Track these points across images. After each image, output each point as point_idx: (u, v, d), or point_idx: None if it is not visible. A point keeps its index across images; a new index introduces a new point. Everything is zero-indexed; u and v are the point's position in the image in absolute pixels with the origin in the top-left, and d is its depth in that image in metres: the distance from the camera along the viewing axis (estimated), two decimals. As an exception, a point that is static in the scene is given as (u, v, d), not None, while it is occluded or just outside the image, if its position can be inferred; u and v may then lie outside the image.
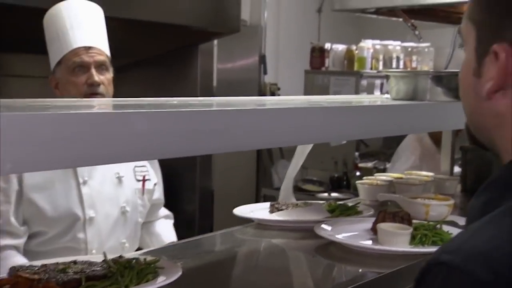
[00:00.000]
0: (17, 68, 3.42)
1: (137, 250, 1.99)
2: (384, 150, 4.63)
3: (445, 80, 1.43)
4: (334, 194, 4.36)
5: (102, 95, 1.90)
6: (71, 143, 0.75)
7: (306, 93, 4.76)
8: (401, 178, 1.94)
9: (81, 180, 1.89)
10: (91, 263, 1.08)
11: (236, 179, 4.93)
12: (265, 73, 4.88)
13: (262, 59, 4.85)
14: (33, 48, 2.14)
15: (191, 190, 4.03)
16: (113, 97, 1.96)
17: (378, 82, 4.39)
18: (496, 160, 0.85)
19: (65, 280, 0.99)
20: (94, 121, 0.78)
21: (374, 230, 1.41)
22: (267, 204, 1.71)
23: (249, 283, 1.20)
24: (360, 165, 4.53)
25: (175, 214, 3.84)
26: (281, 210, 1.62)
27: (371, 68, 4.48)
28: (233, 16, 3.80)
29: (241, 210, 1.64)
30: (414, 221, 1.43)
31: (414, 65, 4.62)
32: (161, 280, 1.03)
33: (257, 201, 4.68)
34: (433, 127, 1.70)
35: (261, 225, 1.58)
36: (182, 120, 0.90)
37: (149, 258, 1.11)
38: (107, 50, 1.96)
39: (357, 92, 4.37)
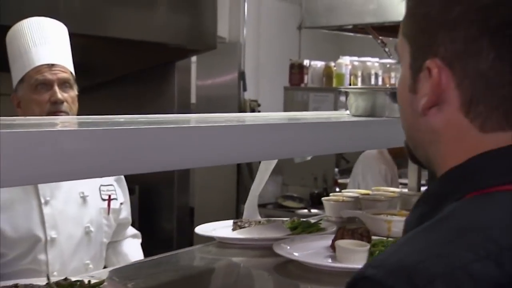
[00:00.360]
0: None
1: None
2: (364, 166, 4.62)
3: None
4: (314, 210, 4.34)
5: (65, 113, 1.87)
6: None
7: (286, 109, 4.76)
8: (368, 194, 1.93)
9: (42, 200, 1.85)
10: (33, 286, 1.05)
11: (216, 195, 4.91)
12: (244, 89, 4.88)
13: (242, 76, 4.86)
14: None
15: (168, 207, 4.00)
16: (81, 114, 1.93)
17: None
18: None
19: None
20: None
21: (333, 247, 1.39)
22: (231, 221, 1.69)
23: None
24: (340, 181, 4.52)
25: (152, 233, 3.81)
26: (244, 227, 1.60)
27: (350, 85, 4.49)
28: (209, 33, 3.80)
29: (203, 229, 1.62)
30: (374, 237, 1.41)
31: (392, 81, 4.64)
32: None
33: (237, 217, 4.66)
34: (391, 143, 1.69)
35: (223, 243, 1.56)
36: (119, 137, 0.87)
37: (94, 280, 1.08)
38: (71, 68, 1.93)
39: (335, 108, 4.38)
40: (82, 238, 1.91)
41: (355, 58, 4.57)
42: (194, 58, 4.79)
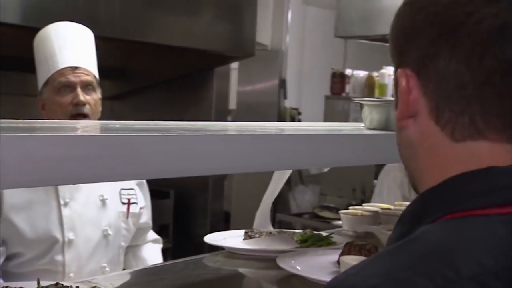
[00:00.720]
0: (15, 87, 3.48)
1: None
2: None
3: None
4: (350, 222, 4.26)
5: (87, 116, 1.89)
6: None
7: (326, 118, 4.70)
8: (389, 209, 1.87)
9: (62, 202, 1.87)
10: (23, 289, 1.05)
11: (252, 202, 4.86)
12: (285, 97, 4.86)
13: (282, 84, 4.83)
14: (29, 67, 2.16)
15: (202, 212, 4.01)
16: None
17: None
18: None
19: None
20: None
21: (339, 262, 1.34)
22: (243, 231, 1.66)
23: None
24: (378, 193, 4.43)
25: (186, 237, 3.82)
26: (254, 238, 1.57)
27: (392, 95, 4.39)
28: (248, 40, 3.80)
29: (213, 238, 1.59)
30: (383, 255, 1.35)
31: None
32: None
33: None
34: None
35: (232, 253, 1.53)
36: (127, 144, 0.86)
37: (83, 286, 1.07)
38: (94, 71, 1.95)
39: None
40: (100, 241, 1.93)
41: (399, 68, 4.47)
42: (235, 65, 4.80)
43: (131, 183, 2.04)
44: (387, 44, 0.81)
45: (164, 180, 3.35)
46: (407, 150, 0.77)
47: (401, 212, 1.82)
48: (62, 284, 1.09)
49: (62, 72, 1.88)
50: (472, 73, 0.69)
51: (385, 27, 3.59)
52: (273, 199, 1.78)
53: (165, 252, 3.68)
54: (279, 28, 4.96)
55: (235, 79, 4.88)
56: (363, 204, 1.96)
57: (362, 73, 4.66)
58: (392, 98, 0.88)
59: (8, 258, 1.84)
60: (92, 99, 1.91)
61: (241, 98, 4.94)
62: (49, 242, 1.84)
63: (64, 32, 1.94)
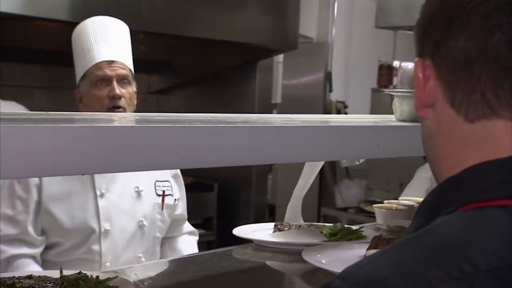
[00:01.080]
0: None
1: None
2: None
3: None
4: (396, 217, 4.19)
5: (123, 109, 1.92)
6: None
7: (373, 111, 4.63)
8: (425, 203, 1.82)
9: (98, 193, 1.91)
10: (45, 279, 1.07)
11: (297, 197, 4.87)
12: (330, 90, 4.81)
13: (328, 76, 4.79)
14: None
15: (246, 205, 4.02)
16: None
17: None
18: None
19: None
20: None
21: (365, 256, 1.32)
22: (273, 224, 1.66)
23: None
24: (426, 188, 4.33)
25: (229, 230, 3.84)
26: (282, 231, 1.56)
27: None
28: (291, 33, 3.78)
29: (242, 230, 1.59)
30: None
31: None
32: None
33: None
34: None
35: (260, 245, 1.53)
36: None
37: (104, 275, 1.09)
38: (130, 65, 1.98)
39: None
40: (136, 232, 1.96)
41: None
42: (280, 58, 4.78)
43: (167, 175, 2.07)
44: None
45: (208, 173, 3.41)
46: (428, 141, 0.77)
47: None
48: (85, 274, 1.11)
49: (99, 66, 1.92)
50: (480, 49, 0.69)
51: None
52: (304, 193, 1.77)
53: (209, 245, 3.72)
54: (325, 21, 4.91)
55: (280, 73, 4.86)
56: (400, 198, 1.92)
57: (410, 65, 4.55)
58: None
59: (48, 247, 1.89)
60: (128, 92, 1.94)
61: (286, 92, 4.92)
62: (86, 232, 1.88)
63: (100, 26, 1.97)
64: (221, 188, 3.94)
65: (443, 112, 0.73)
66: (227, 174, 3.94)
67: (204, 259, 1.44)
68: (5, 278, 1.08)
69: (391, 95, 1.47)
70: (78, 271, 1.12)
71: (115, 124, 1.00)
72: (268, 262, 1.44)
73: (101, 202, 1.91)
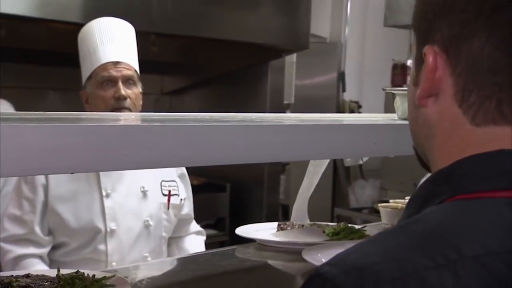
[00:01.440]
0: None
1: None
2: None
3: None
4: (410, 218, 4.15)
5: (128, 109, 1.93)
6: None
7: (386, 111, 4.60)
8: (431, 202, 1.80)
9: (104, 193, 1.92)
10: (42, 278, 1.08)
11: (311, 197, 4.84)
12: (343, 90, 4.79)
13: (341, 76, 4.76)
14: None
15: (258, 205, 4.02)
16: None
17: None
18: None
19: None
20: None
21: (366, 256, 1.30)
22: (276, 224, 1.65)
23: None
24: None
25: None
26: (285, 230, 1.56)
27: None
28: (302, 33, 3.77)
29: (244, 230, 1.59)
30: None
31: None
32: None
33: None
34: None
35: (262, 245, 1.52)
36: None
37: (101, 274, 1.09)
38: (135, 65, 1.99)
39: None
40: (142, 231, 1.96)
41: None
42: (293, 58, 4.77)
43: (173, 175, 2.07)
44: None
45: (220, 174, 3.41)
46: (423, 128, 0.75)
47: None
48: (82, 272, 1.11)
49: (105, 66, 1.93)
50: (508, 59, 0.67)
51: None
52: (309, 193, 1.76)
53: (222, 245, 3.72)
54: (338, 20, 4.89)
55: (292, 73, 4.85)
56: (406, 197, 1.90)
57: (424, 64, 4.53)
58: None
59: (55, 247, 1.91)
60: (133, 93, 1.95)
61: (299, 92, 4.90)
62: (92, 232, 1.89)
63: (106, 27, 1.99)
64: (234, 189, 3.94)
65: (448, 108, 0.71)
66: (239, 174, 3.94)
67: (204, 258, 1.44)
68: (2, 277, 1.09)
69: (393, 94, 1.46)
70: (75, 270, 1.12)
71: (110, 123, 1.00)
72: (269, 261, 1.44)
73: (107, 202, 1.92)
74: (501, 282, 0.59)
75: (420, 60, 0.74)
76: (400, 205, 1.77)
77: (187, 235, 2.17)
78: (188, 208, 2.13)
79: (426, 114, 0.74)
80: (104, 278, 1.07)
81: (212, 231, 3.82)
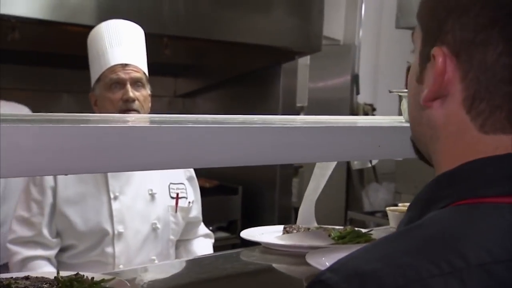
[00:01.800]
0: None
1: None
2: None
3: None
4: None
5: (137, 111, 1.93)
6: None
7: (400, 114, 4.56)
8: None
9: (112, 196, 1.92)
10: (41, 280, 1.08)
11: (324, 199, 4.81)
12: (357, 93, 4.76)
13: (355, 79, 4.73)
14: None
15: (270, 208, 4.00)
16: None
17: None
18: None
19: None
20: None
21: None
22: (282, 227, 1.64)
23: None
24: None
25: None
26: (290, 233, 1.54)
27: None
28: (315, 36, 3.75)
29: (249, 233, 1.58)
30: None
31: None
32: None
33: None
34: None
35: (267, 248, 1.51)
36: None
37: (100, 277, 1.09)
38: (144, 68, 1.99)
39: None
40: (149, 234, 1.96)
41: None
42: (307, 61, 4.75)
43: (181, 178, 2.07)
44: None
45: (232, 177, 3.40)
46: (427, 129, 0.74)
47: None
48: (82, 275, 1.11)
49: (113, 69, 1.93)
50: None
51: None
52: (316, 196, 1.74)
53: (233, 248, 3.71)
54: (352, 23, 4.87)
55: (306, 75, 4.83)
56: (414, 201, 1.87)
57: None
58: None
59: (62, 249, 1.91)
60: (141, 95, 1.95)
61: (312, 95, 4.88)
62: (99, 234, 1.89)
63: (115, 30, 1.99)
64: (246, 191, 3.93)
65: (455, 113, 0.70)
66: (251, 177, 3.93)
67: (208, 261, 1.43)
68: (2, 278, 1.09)
69: (400, 96, 1.44)
70: (75, 273, 1.12)
71: (113, 124, 0.99)
72: (273, 265, 1.43)
73: (115, 205, 1.92)
74: None
75: (425, 57, 0.73)
76: (408, 208, 1.74)
77: (195, 238, 2.17)
78: (196, 211, 2.13)
79: (431, 115, 0.73)
80: (103, 280, 1.07)
81: (224, 234, 3.81)
